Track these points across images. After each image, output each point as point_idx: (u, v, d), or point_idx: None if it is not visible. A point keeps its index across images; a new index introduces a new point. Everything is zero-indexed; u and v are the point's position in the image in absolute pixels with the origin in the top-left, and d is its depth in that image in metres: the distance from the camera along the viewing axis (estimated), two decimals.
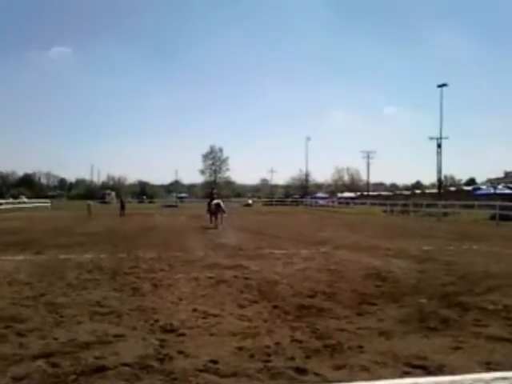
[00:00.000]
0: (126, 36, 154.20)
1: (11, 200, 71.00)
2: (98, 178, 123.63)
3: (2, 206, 53.59)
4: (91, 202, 48.72)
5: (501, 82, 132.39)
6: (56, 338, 5.16)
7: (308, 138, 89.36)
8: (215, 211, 24.74)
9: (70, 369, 4.27)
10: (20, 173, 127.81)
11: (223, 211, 24.76)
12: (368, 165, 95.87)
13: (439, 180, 55.95)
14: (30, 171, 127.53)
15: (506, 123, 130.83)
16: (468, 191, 69.55)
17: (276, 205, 79.27)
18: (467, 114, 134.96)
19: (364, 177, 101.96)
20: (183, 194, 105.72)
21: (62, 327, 5.64)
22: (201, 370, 4.27)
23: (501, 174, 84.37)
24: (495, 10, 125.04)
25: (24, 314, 6.25)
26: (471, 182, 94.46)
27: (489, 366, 4.27)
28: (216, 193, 29.43)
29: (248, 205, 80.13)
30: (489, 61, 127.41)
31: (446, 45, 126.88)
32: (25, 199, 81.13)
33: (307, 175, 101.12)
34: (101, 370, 4.25)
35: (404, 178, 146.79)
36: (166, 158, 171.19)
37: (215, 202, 25.03)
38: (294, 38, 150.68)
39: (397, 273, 9.79)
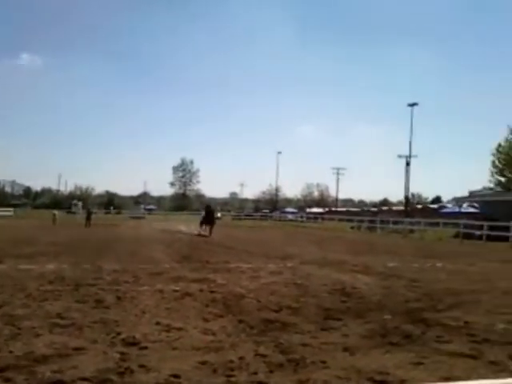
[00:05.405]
0: (99, 47, 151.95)
1: None
2: (66, 187, 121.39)
3: None
4: (56, 212, 47.72)
5: (467, 103, 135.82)
6: (11, 351, 4.99)
7: (279, 153, 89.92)
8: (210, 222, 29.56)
9: (25, 383, 4.13)
10: None
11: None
12: (337, 181, 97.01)
13: (406, 198, 56.98)
14: None
15: (472, 143, 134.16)
16: (434, 209, 71.14)
17: (245, 219, 79.17)
18: (434, 132, 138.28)
19: (333, 192, 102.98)
20: (151, 206, 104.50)
21: (19, 340, 5.45)
22: None
23: (466, 193, 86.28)
24: (456, 30, 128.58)
25: None
26: (437, 200, 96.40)
27: (449, 381, 4.31)
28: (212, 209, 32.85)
29: (216, 218, 79.71)
30: (454, 81, 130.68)
31: (414, 64, 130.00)
32: None
33: (277, 190, 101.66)
34: None
35: (372, 195, 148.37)
36: (135, 170, 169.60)
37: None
38: (263, 54, 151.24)
39: (362, 289, 9.85)
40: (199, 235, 28.57)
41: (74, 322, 6.33)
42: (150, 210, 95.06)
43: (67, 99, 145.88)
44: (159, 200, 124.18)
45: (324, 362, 4.86)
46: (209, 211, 30.40)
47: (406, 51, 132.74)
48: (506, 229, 27.66)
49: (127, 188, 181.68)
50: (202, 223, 30.34)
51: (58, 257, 14.56)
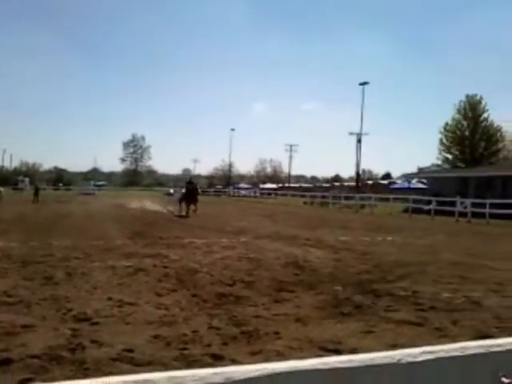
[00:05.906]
0: (48, 17, 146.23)
1: None
2: (11, 163, 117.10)
3: None
4: (2, 189, 46.00)
5: (417, 82, 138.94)
6: None
7: (232, 129, 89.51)
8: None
9: None
10: None
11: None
12: (290, 157, 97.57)
13: (357, 173, 58.08)
14: None
15: (419, 121, 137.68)
16: (384, 185, 73.06)
17: (199, 194, 78.86)
18: (385, 110, 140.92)
19: (286, 169, 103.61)
20: (101, 182, 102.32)
21: None
22: (115, 359, 4.13)
23: (415, 170, 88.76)
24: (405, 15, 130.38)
25: None
26: (387, 176, 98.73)
27: (395, 349, 4.45)
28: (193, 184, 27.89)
29: (169, 194, 78.96)
30: (405, 61, 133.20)
31: (365, 44, 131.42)
32: None
33: (230, 166, 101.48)
34: (5, 363, 4.00)
35: (324, 171, 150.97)
36: (85, 145, 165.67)
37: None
38: (221, 33, 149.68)
39: (314, 261, 10.02)
40: (177, 216, 24.63)
41: (21, 300, 6.16)
42: (100, 185, 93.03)
43: (14, 71, 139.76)
44: (109, 176, 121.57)
45: (277, 333, 4.93)
46: (192, 188, 26.40)
47: (358, 32, 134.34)
48: (453, 204, 28.69)
49: (76, 164, 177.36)
50: (181, 201, 26.11)
51: (5, 234, 14.06)
